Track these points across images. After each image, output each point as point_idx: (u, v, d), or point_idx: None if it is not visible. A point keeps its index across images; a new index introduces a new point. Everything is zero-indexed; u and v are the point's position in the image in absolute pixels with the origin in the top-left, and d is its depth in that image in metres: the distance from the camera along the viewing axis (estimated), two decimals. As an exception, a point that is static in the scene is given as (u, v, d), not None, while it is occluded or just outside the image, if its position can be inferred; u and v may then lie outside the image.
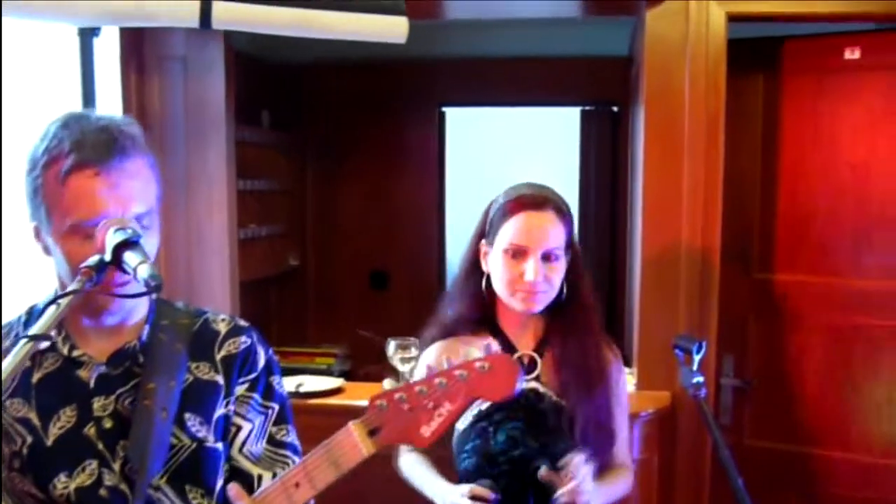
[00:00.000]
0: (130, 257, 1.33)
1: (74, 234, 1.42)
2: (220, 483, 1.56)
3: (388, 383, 3.20)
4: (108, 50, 3.36)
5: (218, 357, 1.60)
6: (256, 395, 1.61)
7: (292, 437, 1.66)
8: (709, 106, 3.19)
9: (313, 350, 5.09)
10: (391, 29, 2.88)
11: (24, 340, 1.26)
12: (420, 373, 2.03)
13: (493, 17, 3.84)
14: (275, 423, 1.63)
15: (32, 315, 1.58)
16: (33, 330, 1.27)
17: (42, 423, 1.48)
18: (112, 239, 1.35)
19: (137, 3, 2.71)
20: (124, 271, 1.34)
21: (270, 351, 1.70)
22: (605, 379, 2.17)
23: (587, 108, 5.38)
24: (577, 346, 2.12)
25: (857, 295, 3.28)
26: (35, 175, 1.44)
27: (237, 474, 1.57)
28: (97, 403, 1.50)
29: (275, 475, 1.58)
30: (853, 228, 3.29)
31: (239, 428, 1.59)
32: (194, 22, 2.83)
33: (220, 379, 1.57)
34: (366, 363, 4.58)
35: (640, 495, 3.18)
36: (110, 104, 3.42)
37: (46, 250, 1.51)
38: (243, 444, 1.59)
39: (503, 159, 6.41)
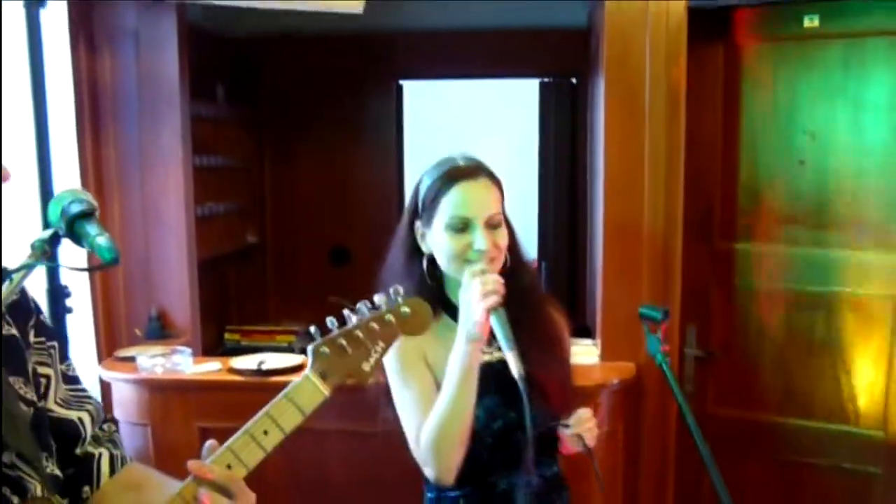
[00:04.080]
0: (86, 230, 1.28)
1: None
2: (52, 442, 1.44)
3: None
4: (56, 23, 3.27)
5: (3, 307, 1.41)
6: (44, 339, 1.49)
7: (76, 371, 1.55)
8: (669, 75, 3.19)
9: (273, 328, 5.05)
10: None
11: None
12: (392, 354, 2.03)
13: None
14: (61, 362, 1.52)
15: None
16: None
17: None
18: (66, 211, 1.30)
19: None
20: (80, 244, 1.28)
21: None
22: (561, 341, 2.19)
23: (546, 80, 5.36)
24: (532, 313, 2.09)
25: (817, 264, 3.30)
26: None
27: (58, 425, 1.46)
28: None
29: (91, 414, 1.50)
30: (812, 197, 3.30)
31: (48, 378, 1.47)
32: (145, -7, 2.76)
33: (15, 332, 1.43)
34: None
35: (606, 465, 3.19)
36: (60, 79, 3.34)
37: None
38: (55, 392, 1.48)
39: (462, 132, 6.39)
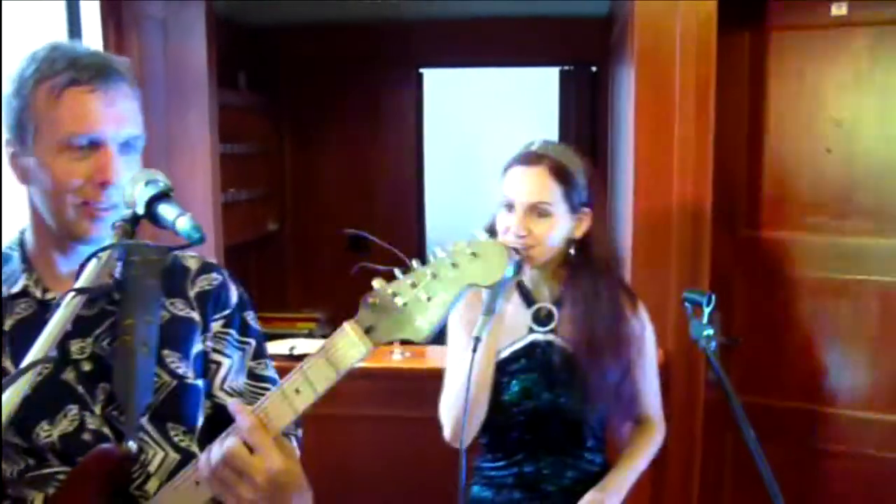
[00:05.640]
0: (167, 210, 1.31)
1: (66, 150, 1.38)
2: (200, 421, 1.54)
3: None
4: (87, 12, 3.29)
5: (192, 293, 1.56)
6: (233, 331, 1.58)
7: (271, 371, 1.63)
8: (699, 64, 3.19)
9: (294, 315, 5.06)
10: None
11: (71, 294, 1.26)
12: (453, 321, 2.12)
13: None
14: (253, 359, 1.61)
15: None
16: (79, 283, 1.27)
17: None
18: (144, 193, 1.32)
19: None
20: (159, 225, 1.31)
21: (241, 288, 1.66)
22: (618, 340, 2.16)
23: (566, 68, 5.37)
24: (591, 305, 2.10)
25: (841, 251, 3.31)
26: (24, 92, 1.40)
27: (220, 411, 1.54)
28: (74, 346, 1.46)
29: None
30: (838, 186, 3.31)
31: (219, 364, 1.56)
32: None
33: (195, 315, 1.54)
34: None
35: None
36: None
37: (24, 175, 1.44)
38: (224, 380, 1.56)
39: (482, 120, 6.41)
